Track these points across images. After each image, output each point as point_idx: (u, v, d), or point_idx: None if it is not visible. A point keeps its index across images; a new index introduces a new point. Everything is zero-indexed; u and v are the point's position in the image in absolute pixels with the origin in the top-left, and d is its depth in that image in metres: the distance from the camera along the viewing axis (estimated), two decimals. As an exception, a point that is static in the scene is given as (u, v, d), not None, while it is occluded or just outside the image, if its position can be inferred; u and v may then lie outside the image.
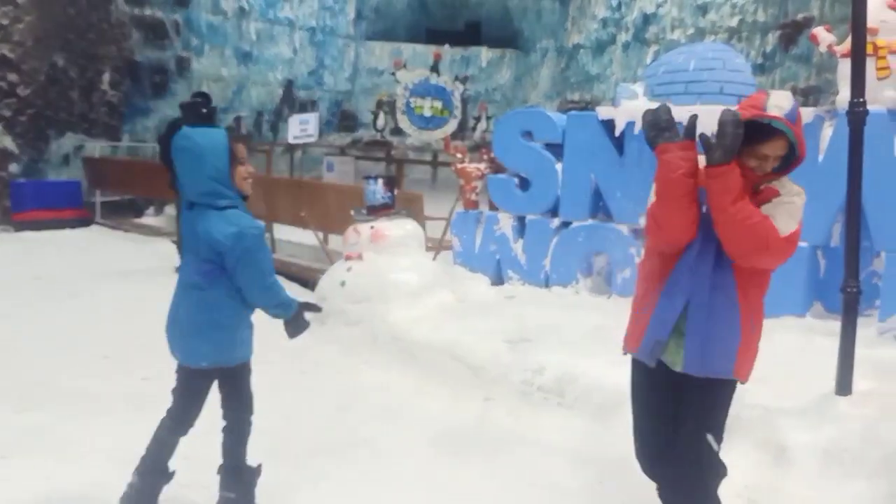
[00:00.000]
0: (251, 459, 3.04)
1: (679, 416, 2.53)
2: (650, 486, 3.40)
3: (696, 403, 2.49)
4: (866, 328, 4.17)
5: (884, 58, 4.22)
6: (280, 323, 6.57)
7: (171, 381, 4.54)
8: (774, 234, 2.27)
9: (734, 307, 2.41)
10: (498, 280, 6.11)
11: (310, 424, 4.10)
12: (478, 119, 19.16)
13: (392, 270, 5.66)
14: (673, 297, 2.43)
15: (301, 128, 6.96)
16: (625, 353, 2.72)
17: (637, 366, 2.66)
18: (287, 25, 16.41)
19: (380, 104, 18.63)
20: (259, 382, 4.63)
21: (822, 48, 4.72)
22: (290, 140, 7.32)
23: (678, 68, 5.50)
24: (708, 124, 4.81)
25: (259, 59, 15.90)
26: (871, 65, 3.70)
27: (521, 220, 5.97)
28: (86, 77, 11.73)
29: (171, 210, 11.22)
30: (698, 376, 2.45)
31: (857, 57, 3.45)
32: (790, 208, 2.33)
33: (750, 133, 2.27)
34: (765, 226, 2.26)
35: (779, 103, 2.25)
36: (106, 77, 12.10)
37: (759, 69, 13.06)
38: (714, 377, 2.46)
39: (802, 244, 4.53)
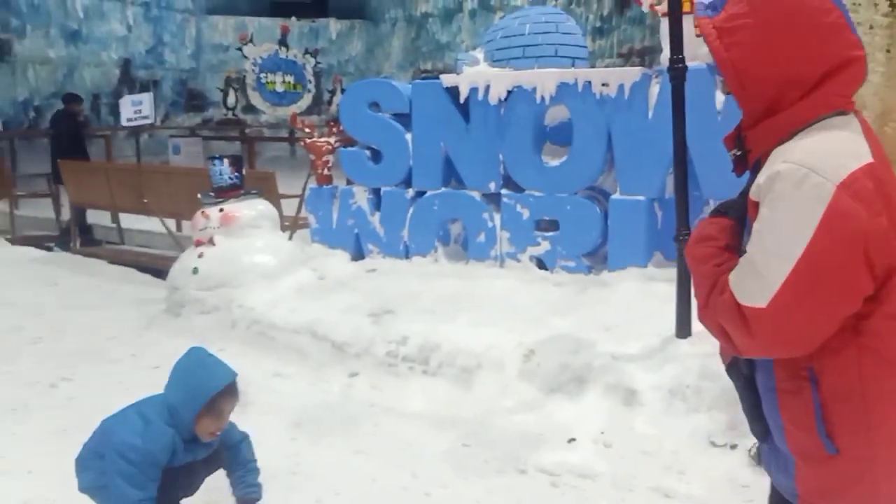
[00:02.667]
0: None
1: None
2: (512, 442, 3.52)
3: None
4: (701, 272, 4.45)
5: (701, 16, 4.46)
6: (127, 311, 6.21)
7: (6, 391, 4.24)
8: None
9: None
10: (358, 254, 6.05)
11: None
12: (332, 93, 18.80)
13: (246, 253, 5.48)
14: None
15: (134, 109, 6.53)
16: None
17: None
18: (118, 1, 15.35)
19: (228, 81, 17.89)
20: (105, 383, 4.44)
21: (645, 8, 4.95)
22: (124, 123, 6.87)
23: (514, 33, 5.59)
24: (547, 87, 4.97)
25: (90, 37, 14.80)
26: (688, 23, 3.89)
27: (376, 192, 5.93)
28: None
29: (2, 205, 10.33)
30: None
31: (674, 16, 3.63)
32: (763, 236, 1.40)
33: None
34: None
35: None
36: (-89, 63, 10.90)
37: (598, 32, 13.60)
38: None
39: (640, 198, 4.79)
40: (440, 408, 3.95)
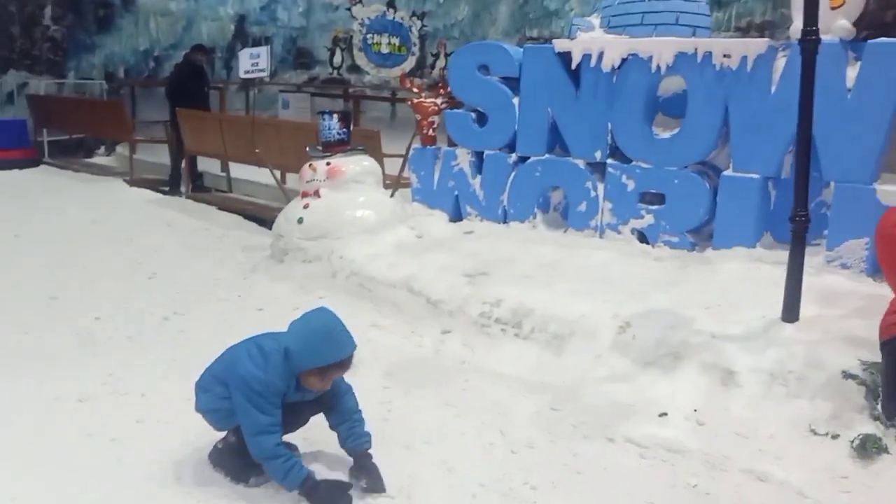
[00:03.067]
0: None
1: None
2: (602, 411, 3.50)
3: None
4: (814, 257, 4.27)
5: (838, -13, 4.22)
6: (234, 255, 6.50)
7: (124, 321, 4.54)
8: None
9: None
10: (456, 216, 6.09)
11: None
12: (436, 56, 18.76)
13: (349, 207, 5.61)
14: None
15: (252, 62, 6.73)
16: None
17: None
18: (238, -43, 15.78)
19: (336, 41, 18.13)
20: (213, 320, 4.68)
21: (776, -21, 4.71)
22: (241, 75, 7.08)
23: (634, -1, 5.44)
24: (664, 56, 4.83)
25: (209, -9, 15.29)
26: (824, -6, 3.68)
27: (479, 155, 5.94)
28: (26, 12, 11.20)
29: (123, 149, 10.92)
30: None
31: (811, -15, 3.43)
32: None
33: None
34: None
35: None
36: (48, 12, 11.55)
37: (717, 5, 12.95)
38: None
39: (753, 175, 4.62)
40: (530, 371, 3.96)
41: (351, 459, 2.85)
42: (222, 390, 2.69)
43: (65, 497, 2.67)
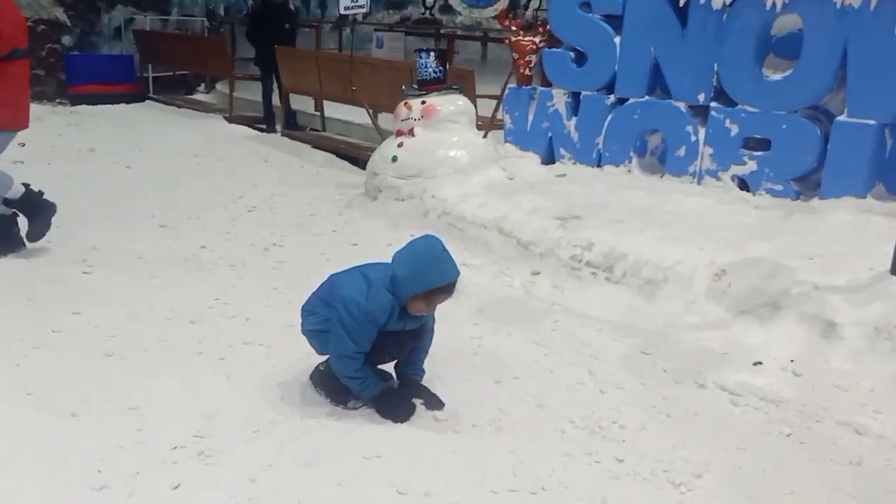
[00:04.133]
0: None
1: None
2: (693, 357, 3.47)
3: None
4: (929, 209, 4.05)
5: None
6: (328, 192, 6.69)
7: (227, 250, 4.76)
8: None
9: None
10: (549, 159, 6.03)
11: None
12: (530, -3, 18.38)
13: (442, 146, 5.63)
14: None
15: (351, -1, 6.78)
16: None
17: None
18: None
19: (428, -20, 17.97)
20: (310, 252, 4.85)
21: None
22: (341, 11, 7.13)
23: (751, -68, 5.12)
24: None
25: (308, -70, 15.32)
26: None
27: (575, 96, 5.82)
28: (132, -53, 11.53)
29: (221, 87, 11.24)
30: None
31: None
32: None
33: None
34: None
35: None
36: (153, -53, 11.87)
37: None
38: None
39: (869, 122, 4.37)
40: (621, 315, 3.95)
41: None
42: (327, 312, 2.81)
43: (179, 405, 2.87)
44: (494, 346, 3.62)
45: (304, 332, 2.96)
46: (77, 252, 4.55)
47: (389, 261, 2.80)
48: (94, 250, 4.62)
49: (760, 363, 3.34)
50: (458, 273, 2.76)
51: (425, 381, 3.03)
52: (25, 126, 4.35)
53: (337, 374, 2.83)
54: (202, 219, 5.51)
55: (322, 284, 2.97)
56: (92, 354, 3.26)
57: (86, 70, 10.61)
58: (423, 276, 2.68)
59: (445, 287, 2.73)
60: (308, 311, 2.95)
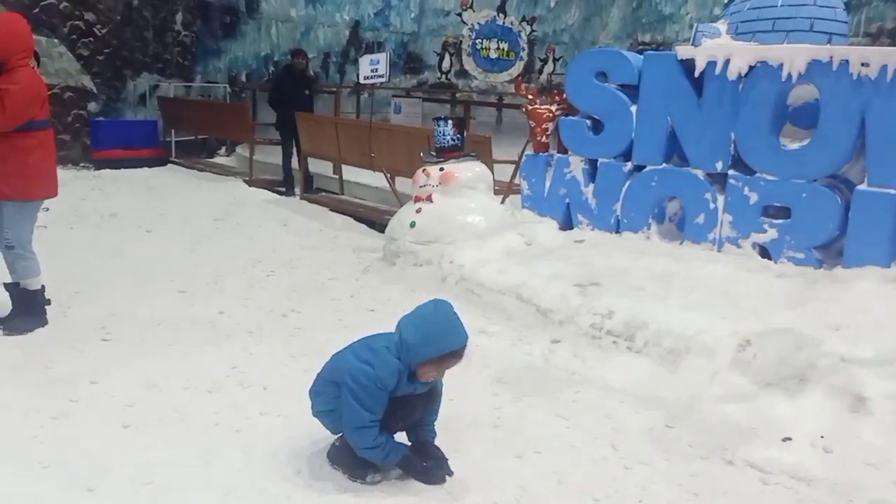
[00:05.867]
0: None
1: None
2: (720, 432, 3.39)
3: None
4: (956, 280, 3.99)
5: None
6: (346, 256, 6.70)
7: (245, 316, 4.75)
8: None
9: None
10: (567, 224, 6.04)
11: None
12: (544, 61, 18.75)
13: (460, 212, 5.66)
14: None
15: (371, 68, 6.92)
16: None
17: None
18: (355, -35, 16.24)
19: (445, 46, 18.41)
20: (327, 318, 4.83)
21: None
22: (361, 80, 7.30)
23: (765, 4, 5.20)
24: (796, 64, 4.62)
25: (327, 0, 15.81)
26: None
27: (592, 163, 5.86)
28: (159, 17, 11.91)
29: (242, 150, 11.44)
30: None
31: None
32: None
33: None
34: None
35: None
36: (178, 18, 12.25)
37: (846, 8, 12.36)
38: None
39: (891, 191, 4.35)
40: (643, 386, 3.88)
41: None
42: (334, 391, 2.79)
43: (194, 480, 2.82)
44: (515, 418, 3.55)
45: (315, 413, 2.93)
46: (96, 319, 4.56)
47: (394, 330, 2.79)
48: (113, 317, 4.63)
49: (790, 439, 3.25)
50: (467, 337, 2.74)
51: (446, 454, 2.97)
52: (46, 196, 4.36)
53: (356, 448, 2.78)
54: (221, 283, 5.53)
55: (325, 365, 2.95)
56: (109, 425, 3.23)
57: (110, 135, 10.85)
58: (434, 342, 2.66)
59: (456, 352, 2.71)
60: (316, 392, 2.92)
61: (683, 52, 5.22)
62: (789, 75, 4.69)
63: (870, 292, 4.17)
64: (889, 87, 4.33)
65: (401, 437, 2.96)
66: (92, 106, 10.94)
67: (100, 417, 3.30)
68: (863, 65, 4.40)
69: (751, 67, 4.87)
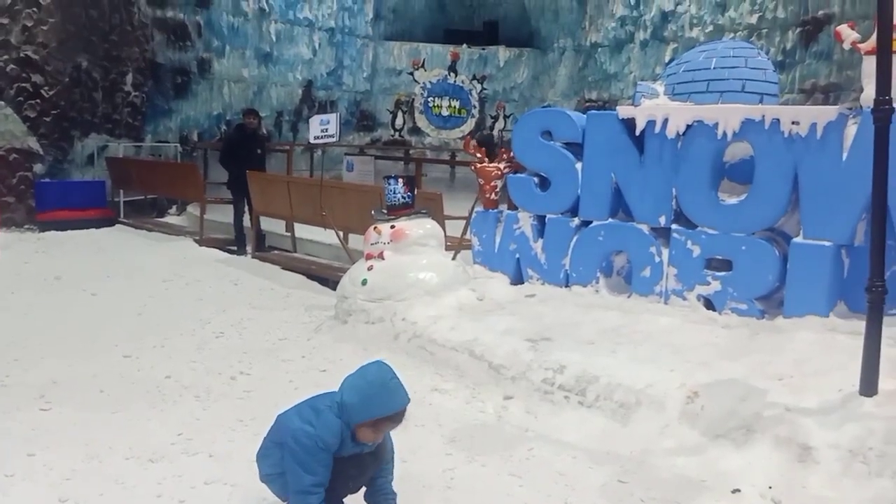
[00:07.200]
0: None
1: None
2: (671, 485, 3.40)
3: None
4: (891, 327, 4.11)
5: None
6: (298, 315, 6.60)
7: (193, 380, 4.65)
8: None
9: None
10: (518, 279, 6.10)
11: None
12: (495, 118, 19.18)
13: (412, 269, 5.67)
14: None
15: (322, 128, 6.99)
16: None
17: None
18: (307, 26, 16.49)
19: (398, 104, 18.74)
20: (278, 380, 4.75)
21: (847, 45, 4.67)
22: (311, 140, 7.36)
23: (699, 66, 5.46)
24: (731, 123, 4.82)
25: (279, 59, 15.98)
26: (896, 62, 3.64)
27: (540, 219, 5.97)
28: (109, 78, 11.85)
29: (192, 209, 11.34)
30: None
31: (883, 54, 3.41)
32: None
33: None
34: None
35: None
36: (129, 78, 12.21)
37: (780, 67, 12.91)
38: None
39: (825, 243, 4.52)
40: (596, 441, 3.89)
41: None
42: (280, 453, 2.73)
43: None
44: (468, 478, 3.51)
45: (262, 478, 2.86)
46: (35, 387, 4.41)
47: (339, 384, 2.76)
48: (53, 385, 4.48)
49: (739, 490, 3.29)
50: (407, 401, 2.72)
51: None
52: None
53: None
54: (168, 347, 5.41)
55: (272, 427, 2.90)
56: (46, 501, 3.10)
57: (56, 196, 10.65)
58: (371, 405, 2.64)
59: (392, 416, 2.69)
60: (262, 455, 2.86)
61: (624, 111, 5.41)
62: (724, 133, 4.89)
63: (810, 342, 4.28)
64: (819, 143, 4.54)
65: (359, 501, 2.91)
66: (38, 167, 10.75)
67: (36, 492, 3.16)
68: (793, 123, 4.61)
69: (688, 126, 5.06)
